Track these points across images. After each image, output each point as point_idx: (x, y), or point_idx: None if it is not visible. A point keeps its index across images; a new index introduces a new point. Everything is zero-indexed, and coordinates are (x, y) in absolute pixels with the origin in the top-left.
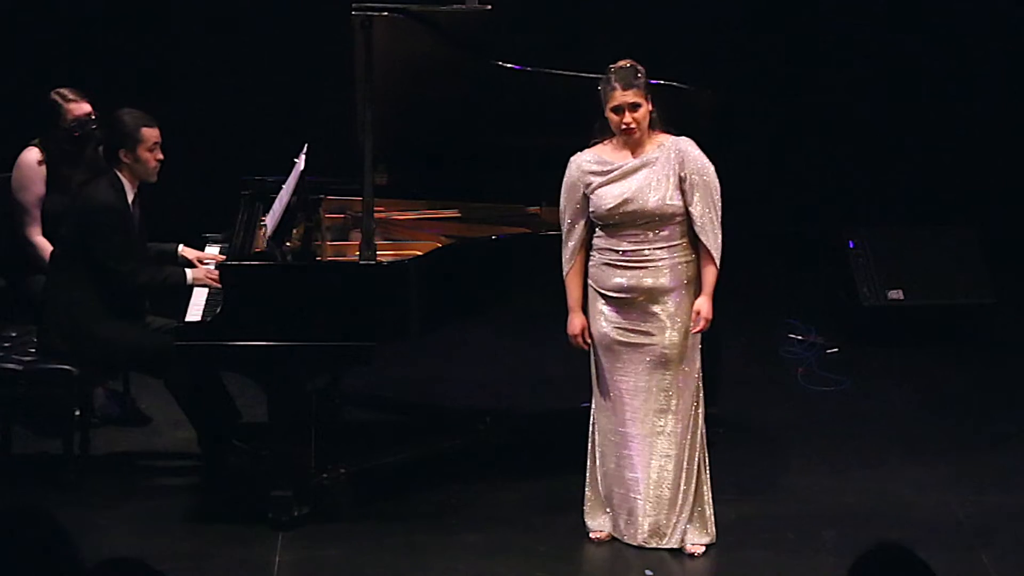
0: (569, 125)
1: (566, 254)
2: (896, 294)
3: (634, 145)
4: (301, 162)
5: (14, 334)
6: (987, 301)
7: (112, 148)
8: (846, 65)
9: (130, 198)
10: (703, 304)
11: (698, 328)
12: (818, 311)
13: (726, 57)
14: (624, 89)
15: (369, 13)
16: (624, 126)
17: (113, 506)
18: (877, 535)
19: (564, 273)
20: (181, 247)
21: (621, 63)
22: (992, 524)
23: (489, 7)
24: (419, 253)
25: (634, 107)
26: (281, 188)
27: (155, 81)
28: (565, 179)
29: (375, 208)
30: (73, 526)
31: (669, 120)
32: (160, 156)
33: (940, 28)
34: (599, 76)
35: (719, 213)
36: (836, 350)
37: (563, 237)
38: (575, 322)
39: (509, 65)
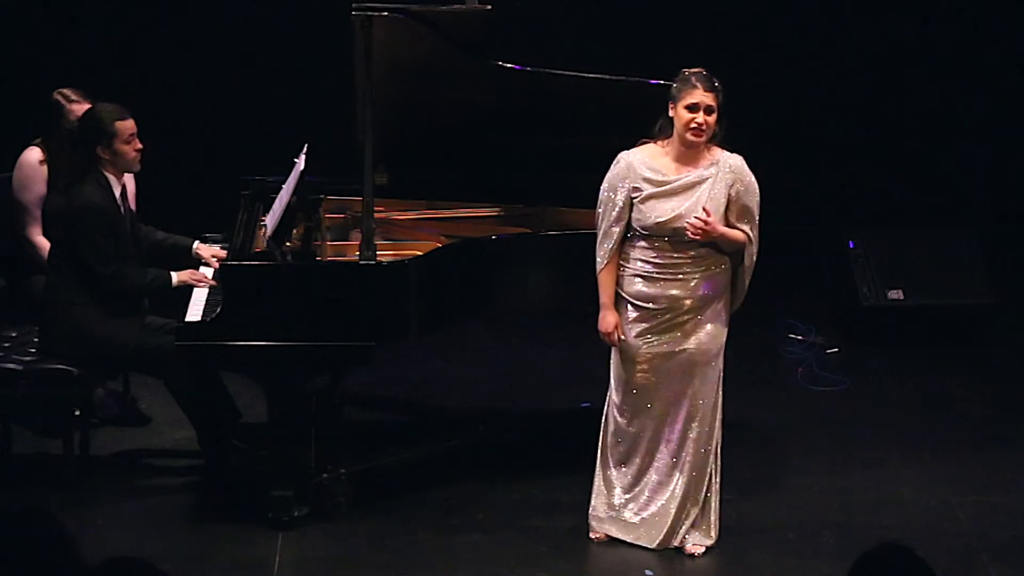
0: (570, 126)
1: (601, 252)
2: (896, 294)
3: (690, 157)
4: (301, 162)
5: (14, 334)
6: (987, 301)
7: (90, 146)
8: (846, 65)
9: (117, 192)
10: (717, 222)
11: (695, 224)
12: (818, 311)
13: (727, 57)
14: (706, 90)
15: (369, 13)
16: (695, 125)
17: (113, 506)
18: (877, 535)
19: (598, 270)
20: (197, 244)
21: (696, 69)
22: (992, 524)
23: (489, 7)
24: (419, 253)
25: (709, 110)
26: (281, 188)
27: (156, 81)
28: (611, 175)
29: (375, 208)
30: (73, 526)
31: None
32: (139, 145)
33: (939, 28)
34: (600, 77)
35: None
36: (836, 350)
37: (600, 234)
38: (608, 319)
39: (509, 65)
